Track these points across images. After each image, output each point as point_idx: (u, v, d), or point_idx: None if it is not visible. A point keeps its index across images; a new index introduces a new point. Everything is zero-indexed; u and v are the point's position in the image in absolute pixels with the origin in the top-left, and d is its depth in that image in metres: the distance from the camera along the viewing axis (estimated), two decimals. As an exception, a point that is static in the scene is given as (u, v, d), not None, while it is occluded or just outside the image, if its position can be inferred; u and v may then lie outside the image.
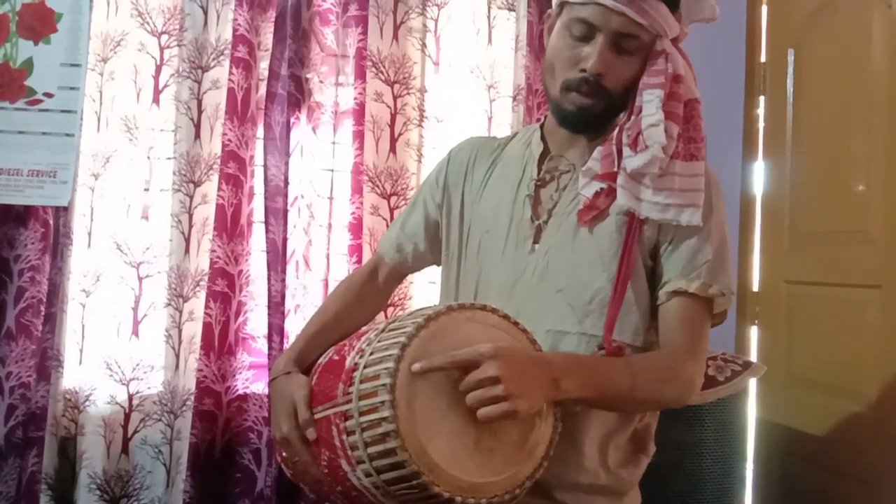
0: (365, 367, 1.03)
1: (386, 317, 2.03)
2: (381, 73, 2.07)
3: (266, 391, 1.97)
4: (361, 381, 1.02)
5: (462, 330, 1.04)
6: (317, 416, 1.13)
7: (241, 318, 2.00)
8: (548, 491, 1.17)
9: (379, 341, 1.05)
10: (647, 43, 1.19)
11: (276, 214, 1.96)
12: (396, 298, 2.05)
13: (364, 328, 1.26)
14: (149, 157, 2.00)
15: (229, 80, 1.96)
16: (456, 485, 0.98)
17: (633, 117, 1.19)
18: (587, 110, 1.20)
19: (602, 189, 1.21)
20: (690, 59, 1.25)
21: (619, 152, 1.20)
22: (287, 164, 1.98)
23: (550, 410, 1.07)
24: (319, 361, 1.25)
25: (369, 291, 1.45)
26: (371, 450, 0.99)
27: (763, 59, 2.24)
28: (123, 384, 1.96)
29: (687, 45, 1.26)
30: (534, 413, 1.03)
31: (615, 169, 1.20)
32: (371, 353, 1.04)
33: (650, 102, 1.17)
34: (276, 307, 1.94)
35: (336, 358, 1.17)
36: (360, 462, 1.01)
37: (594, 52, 1.17)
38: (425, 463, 0.97)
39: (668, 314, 1.20)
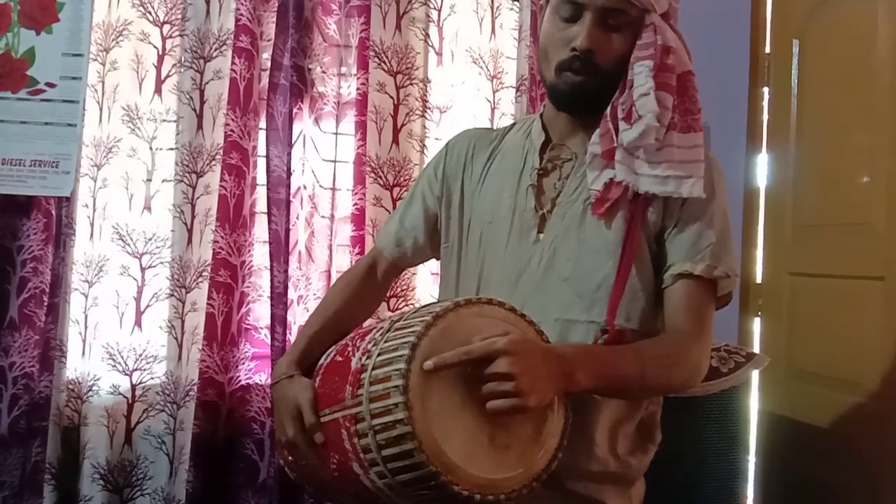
0: (373, 368, 1.01)
1: (389, 308, 2.03)
2: (384, 63, 2.06)
3: (269, 381, 1.97)
4: (371, 384, 1.00)
5: (470, 325, 1.03)
6: (323, 420, 1.11)
7: (243, 309, 2.00)
8: (558, 480, 1.17)
9: (386, 341, 1.03)
10: (636, 18, 1.19)
11: (279, 205, 1.95)
12: (399, 290, 2.05)
13: (366, 326, 1.25)
14: (151, 148, 1.99)
15: (231, 70, 1.95)
16: (474, 482, 0.98)
17: (626, 91, 1.20)
18: (581, 87, 1.21)
19: (612, 179, 1.20)
20: (694, 49, 1.24)
21: (616, 128, 1.20)
22: (289, 154, 1.97)
23: (561, 402, 1.06)
24: (321, 363, 1.23)
25: (368, 287, 1.43)
26: (385, 452, 0.98)
27: (767, 49, 2.22)
28: (126, 374, 1.96)
29: (690, 36, 1.25)
30: (545, 405, 1.03)
31: (614, 145, 1.20)
32: (379, 355, 1.02)
33: (640, 74, 1.18)
34: (279, 298, 1.94)
35: (339, 359, 1.15)
36: (373, 464, 1.00)
37: (582, 29, 1.18)
38: (443, 463, 0.96)
39: (673, 297, 1.21)
